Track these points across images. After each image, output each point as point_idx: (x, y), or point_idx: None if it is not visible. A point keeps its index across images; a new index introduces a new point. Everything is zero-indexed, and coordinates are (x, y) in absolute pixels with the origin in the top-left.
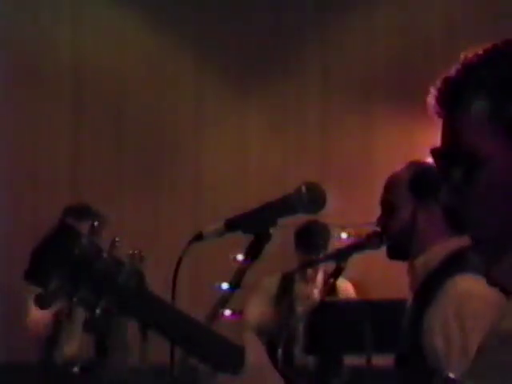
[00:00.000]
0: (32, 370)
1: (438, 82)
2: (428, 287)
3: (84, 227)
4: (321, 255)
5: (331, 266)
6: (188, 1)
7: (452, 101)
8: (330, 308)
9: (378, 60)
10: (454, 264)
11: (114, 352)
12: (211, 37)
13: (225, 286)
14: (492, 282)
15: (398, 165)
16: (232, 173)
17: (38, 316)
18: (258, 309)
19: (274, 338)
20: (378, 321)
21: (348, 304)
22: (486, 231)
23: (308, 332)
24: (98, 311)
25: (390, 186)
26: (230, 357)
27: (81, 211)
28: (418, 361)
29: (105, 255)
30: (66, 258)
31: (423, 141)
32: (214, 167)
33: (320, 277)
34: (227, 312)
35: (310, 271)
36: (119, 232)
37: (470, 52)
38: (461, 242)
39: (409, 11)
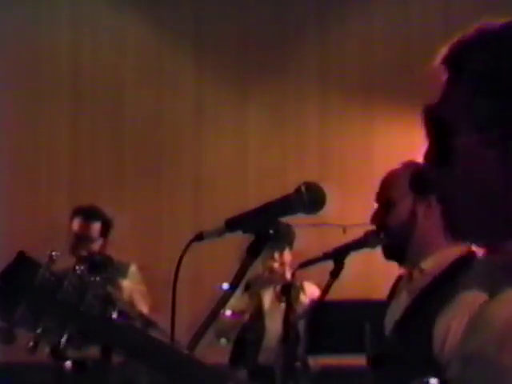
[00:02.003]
0: (33, 370)
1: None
2: (435, 293)
3: (93, 229)
4: (285, 251)
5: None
6: (188, 1)
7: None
8: (330, 308)
9: (377, 60)
10: (461, 272)
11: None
12: (211, 37)
13: (225, 286)
14: None
15: (397, 165)
16: (232, 173)
17: None
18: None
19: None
20: (378, 321)
21: (348, 304)
22: (466, 233)
23: (308, 332)
24: (63, 341)
25: (389, 182)
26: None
27: (89, 212)
28: (403, 361)
29: (66, 283)
30: (26, 290)
31: (423, 141)
32: (214, 167)
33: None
34: (227, 312)
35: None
36: (119, 232)
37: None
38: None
39: (408, 11)
